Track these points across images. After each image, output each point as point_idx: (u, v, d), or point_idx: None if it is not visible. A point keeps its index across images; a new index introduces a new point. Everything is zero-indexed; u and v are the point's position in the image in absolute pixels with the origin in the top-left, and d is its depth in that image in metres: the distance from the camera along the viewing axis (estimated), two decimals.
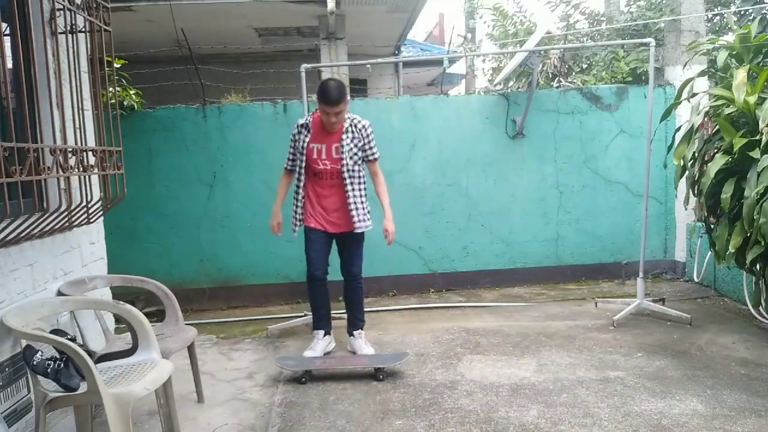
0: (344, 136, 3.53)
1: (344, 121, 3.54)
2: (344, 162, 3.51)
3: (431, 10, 26.70)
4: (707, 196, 3.58)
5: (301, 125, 3.62)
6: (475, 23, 10.90)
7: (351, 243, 3.67)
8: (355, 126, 3.57)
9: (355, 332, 3.76)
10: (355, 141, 3.55)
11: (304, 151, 3.55)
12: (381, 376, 3.34)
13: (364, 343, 3.73)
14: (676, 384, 3.10)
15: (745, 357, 3.46)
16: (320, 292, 3.69)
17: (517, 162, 5.36)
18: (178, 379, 2.99)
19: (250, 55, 8.41)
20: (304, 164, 3.57)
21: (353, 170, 3.55)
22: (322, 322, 3.75)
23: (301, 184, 3.61)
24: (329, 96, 3.37)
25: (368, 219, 3.64)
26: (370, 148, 3.62)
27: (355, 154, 3.55)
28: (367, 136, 3.59)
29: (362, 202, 3.60)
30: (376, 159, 3.66)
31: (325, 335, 3.74)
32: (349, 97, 3.52)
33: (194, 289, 5.10)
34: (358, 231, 3.59)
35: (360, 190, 3.59)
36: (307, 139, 3.55)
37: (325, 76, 6.65)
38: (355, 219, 3.55)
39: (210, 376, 3.53)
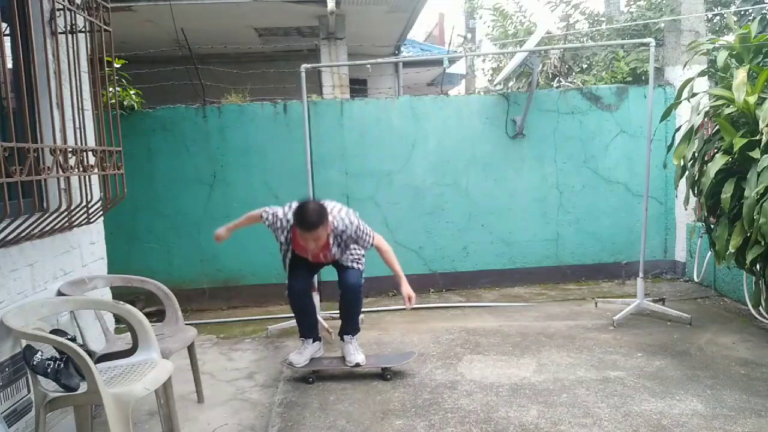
0: (332, 245, 3.27)
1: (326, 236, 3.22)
2: (337, 258, 3.35)
3: (431, 10, 26.74)
4: (707, 196, 3.58)
5: (283, 227, 3.28)
6: (475, 23, 10.90)
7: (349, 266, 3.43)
8: (339, 236, 3.25)
9: (345, 336, 3.48)
10: (344, 244, 3.30)
11: (290, 246, 3.33)
12: (388, 376, 3.34)
13: (353, 349, 3.45)
14: (676, 384, 3.10)
15: (745, 357, 3.46)
16: (304, 303, 3.47)
17: (517, 162, 5.36)
18: (178, 379, 2.99)
19: (250, 55, 8.41)
20: (290, 251, 3.35)
21: (347, 255, 3.39)
22: (309, 330, 3.53)
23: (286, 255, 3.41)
24: (306, 221, 3.04)
25: (361, 265, 3.45)
26: (363, 240, 3.33)
27: (345, 252, 3.35)
28: (353, 233, 3.26)
29: (357, 260, 3.43)
30: (372, 245, 3.38)
31: (314, 341, 3.54)
32: (330, 218, 3.18)
33: (194, 289, 5.11)
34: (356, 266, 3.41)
35: (354, 256, 3.42)
36: (290, 237, 3.29)
37: (325, 76, 6.67)
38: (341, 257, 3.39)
39: (210, 376, 3.53)
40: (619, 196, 5.45)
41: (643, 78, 5.54)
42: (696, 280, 4.91)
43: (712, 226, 3.77)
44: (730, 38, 4.26)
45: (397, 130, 5.22)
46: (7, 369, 2.36)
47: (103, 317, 3.05)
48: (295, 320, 3.58)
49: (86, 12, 2.95)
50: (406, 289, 3.36)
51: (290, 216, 3.23)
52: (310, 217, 3.03)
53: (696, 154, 3.72)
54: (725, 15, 6.17)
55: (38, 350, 2.28)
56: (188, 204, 5.09)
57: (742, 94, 3.36)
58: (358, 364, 3.39)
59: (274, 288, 5.18)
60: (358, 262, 3.43)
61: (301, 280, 3.43)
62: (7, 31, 2.59)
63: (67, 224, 2.85)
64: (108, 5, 3.11)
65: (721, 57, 3.83)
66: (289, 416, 2.92)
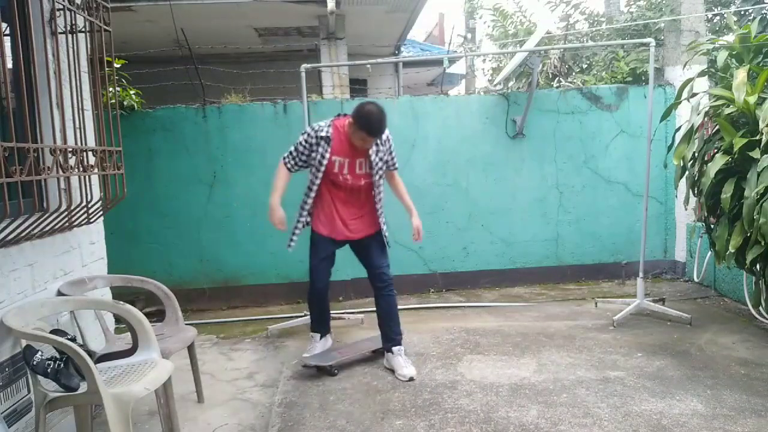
0: (371, 152, 3.33)
1: None
2: (371, 178, 3.39)
3: (431, 10, 26.75)
4: (707, 196, 3.58)
5: (320, 137, 3.32)
6: (475, 23, 10.90)
7: (376, 243, 3.52)
8: (382, 142, 3.37)
9: (394, 348, 3.47)
10: (380, 155, 3.38)
11: (323, 167, 3.32)
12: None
13: (404, 362, 3.40)
14: (676, 384, 3.10)
15: (745, 357, 3.46)
16: (322, 303, 3.64)
17: (517, 162, 5.36)
18: (178, 379, 2.99)
19: (250, 55, 8.42)
20: (319, 179, 3.36)
21: (378, 183, 3.44)
22: (321, 325, 3.70)
23: (311, 196, 3.43)
24: (375, 129, 3.18)
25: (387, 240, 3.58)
26: (392, 158, 3.48)
27: (381, 168, 3.41)
28: (390, 146, 3.43)
29: (382, 209, 3.52)
30: (396, 168, 3.56)
31: (321, 337, 3.69)
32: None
33: (194, 289, 5.11)
34: (383, 229, 3.50)
35: (381, 198, 3.49)
36: (327, 153, 3.30)
37: (325, 76, 6.66)
38: (381, 219, 3.49)
39: (210, 376, 3.53)
40: (619, 196, 5.45)
41: (643, 78, 5.54)
42: (696, 280, 4.91)
43: (712, 226, 3.77)
44: (730, 38, 4.25)
45: (397, 129, 5.18)
46: (7, 369, 2.36)
47: (103, 317, 3.05)
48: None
49: (86, 12, 2.94)
50: (417, 221, 3.58)
51: (326, 130, 3.33)
52: (379, 121, 3.19)
53: (696, 154, 3.72)
54: (725, 15, 6.17)
55: (38, 350, 2.28)
56: (188, 204, 5.09)
57: (742, 94, 3.36)
58: (412, 378, 3.28)
59: (274, 288, 5.19)
60: (386, 232, 3.55)
61: (325, 280, 3.55)
62: (7, 31, 2.59)
63: (67, 224, 2.85)
64: (108, 5, 3.11)
65: (721, 57, 3.83)
66: (289, 416, 2.92)
